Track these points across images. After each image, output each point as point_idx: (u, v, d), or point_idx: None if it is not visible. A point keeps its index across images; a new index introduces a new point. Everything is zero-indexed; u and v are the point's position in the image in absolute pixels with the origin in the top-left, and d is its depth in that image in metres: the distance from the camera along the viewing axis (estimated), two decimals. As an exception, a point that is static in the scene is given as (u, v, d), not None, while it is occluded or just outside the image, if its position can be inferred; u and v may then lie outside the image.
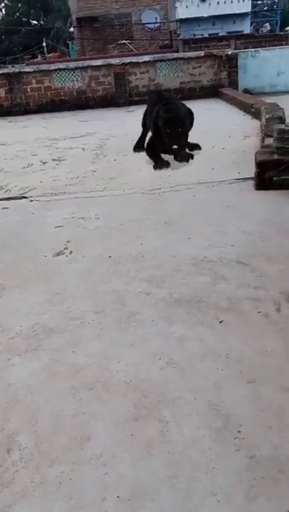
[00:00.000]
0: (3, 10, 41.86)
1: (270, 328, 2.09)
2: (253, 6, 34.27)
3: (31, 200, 4.47)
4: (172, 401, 1.71)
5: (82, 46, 24.18)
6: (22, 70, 12.67)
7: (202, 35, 27.14)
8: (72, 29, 27.47)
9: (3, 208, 4.29)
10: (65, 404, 1.75)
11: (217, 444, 1.52)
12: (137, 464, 1.47)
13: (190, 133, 5.40)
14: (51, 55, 25.03)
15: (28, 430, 1.65)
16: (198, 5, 30.80)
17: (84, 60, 15.57)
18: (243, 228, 3.22)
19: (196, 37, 24.68)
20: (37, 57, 26.24)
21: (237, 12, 30.33)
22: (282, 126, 4.19)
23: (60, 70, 12.21)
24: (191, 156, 4.89)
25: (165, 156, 5.04)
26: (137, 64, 12.08)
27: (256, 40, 18.64)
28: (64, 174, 5.32)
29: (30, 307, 2.47)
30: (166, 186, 4.38)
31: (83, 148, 6.76)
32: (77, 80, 12.17)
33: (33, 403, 1.78)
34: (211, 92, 11.85)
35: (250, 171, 4.18)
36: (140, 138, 5.75)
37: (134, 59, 12.51)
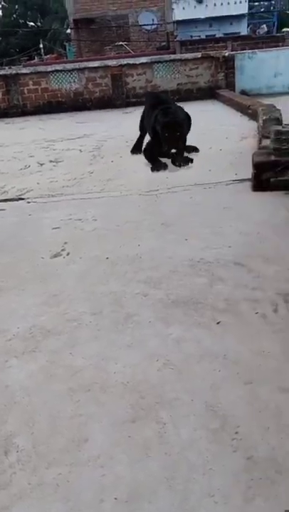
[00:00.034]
0: (0, 11, 41.87)
1: (267, 329, 2.09)
2: (250, 7, 34.35)
3: (28, 202, 4.46)
4: (169, 402, 1.71)
5: (79, 48, 24.19)
6: (19, 71, 12.68)
7: (199, 36, 27.19)
8: (69, 31, 27.46)
9: (0, 210, 4.29)
10: (62, 406, 1.75)
11: (214, 445, 1.52)
12: (135, 465, 1.47)
13: (187, 135, 5.40)
14: (48, 56, 25.04)
15: (25, 432, 1.65)
16: (195, 6, 30.86)
17: (81, 61, 15.57)
18: (240, 229, 3.22)
19: (193, 38, 24.72)
20: (34, 58, 26.24)
21: (234, 13, 30.40)
22: (279, 128, 4.20)
23: (57, 71, 12.22)
24: (191, 160, 4.89)
25: (163, 159, 5.05)
26: (134, 65, 12.09)
27: (253, 42, 18.68)
28: (61, 176, 5.32)
29: (27, 309, 2.47)
30: (164, 188, 4.39)
31: (80, 150, 6.76)
32: (74, 81, 12.17)
33: (30, 405, 1.78)
34: (208, 93, 11.87)
35: (248, 172, 4.19)
36: (137, 141, 5.75)
37: (131, 60, 12.53)
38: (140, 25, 22.71)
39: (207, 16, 30.41)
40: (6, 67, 19.45)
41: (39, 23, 40.22)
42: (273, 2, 39.16)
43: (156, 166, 4.89)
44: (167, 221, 3.52)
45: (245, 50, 14.87)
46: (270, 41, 18.55)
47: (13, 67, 17.84)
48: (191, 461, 1.47)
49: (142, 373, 1.88)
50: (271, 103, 7.04)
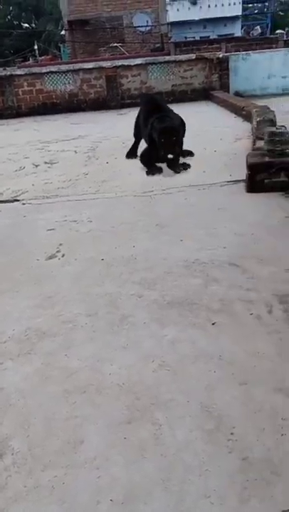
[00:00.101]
0: (-5, 13, 41.75)
1: (262, 329, 2.10)
2: (244, 9, 34.55)
3: (23, 203, 4.45)
4: (165, 403, 1.71)
5: (74, 49, 24.18)
6: (13, 72, 12.64)
7: (193, 38, 27.28)
8: (63, 32, 27.46)
9: (-5, 212, 4.28)
10: (57, 408, 1.75)
11: (210, 446, 1.52)
12: (130, 466, 1.47)
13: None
14: (43, 58, 25.00)
15: (20, 434, 1.65)
16: (189, 8, 30.99)
17: (76, 63, 15.56)
18: (234, 230, 3.23)
19: (187, 40, 24.78)
20: (28, 60, 26.17)
21: (228, 15, 30.55)
22: (273, 129, 4.22)
23: (51, 72, 12.20)
24: (189, 166, 4.89)
25: (158, 164, 5.03)
26: (128, 67, 12.10)
27: (247, 43, 18.74)
28: (56, 177, 5.31)
29: (22, 311, 2.47)
30: (158, 189, 4.39)
31: (75, 151, 6.75)
32: (68, 82, 12.16)
33: (25, 407, 1.77)
34: (203, 94, 11.90)
35: (242, 173, 4.20)
36: (132, 147, 5.72)
37: (125, 62, 12.54)
38: (134, 27, 22.73)
39: (201, 17, 30.55)
40: (1, 69, 19.39)
41: (33, 25, 40.18)
42: (267, 4, 39.36)
43: (152, 169, 4.89)
44: (162, 222, 3.53)
45: (239, 51, 14.93)
46: (264, 43, 18.61)
47: (7, 68, 17.78)
48: (187, 462, 1.47)
49: (137, 374, 1.88)
50: (265, 104, 7.08)
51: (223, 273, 2.64)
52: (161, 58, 12.96)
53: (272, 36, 21.32)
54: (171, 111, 5.22)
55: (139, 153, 5.41)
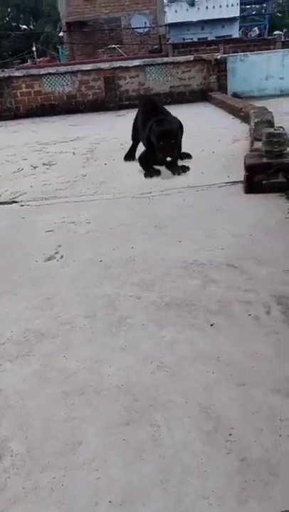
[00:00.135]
0: (-7, 14, 41.77)
1: (260, 330, 2.10)
2: (242, 10, 34.65)
3: (22, 205, 4.46)
4: (163, 405, 1.72)
5: (72, 51, 24.20)
6: (12, 74, 12.66)
7: (191, 39, 27.34)
8: (61, 34, 27.49)
9: (-6, 213, 4.28)
10: (56, 410, 1.75)
11: (208, 447, 1.52)
12: (129, 468, 1.48)
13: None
14: (41, 59, 25.00)
15: (19, 436, 1.65)
16: (187, 9, 31.05)
17: (74, 64, 15.57)
18: (232, 231, 3.24)
19: (186, 41, 24.82)
20: (27, 61, 26.19)
21: (226, 16, 30.62)
22: (271, 130, 4.23)
23: (50, 74, 12.22)
24: (188, 168, 4.89)
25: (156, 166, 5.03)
26: (126, 68, 12.12)
27: (245, 45, 18.79)
28: (54, 178, 5.31)
29: (20, 313, 2.47)
30: (156, 190, 4.40)
31: (73, 153, 6.76)
32: (67, 84, 12.18)
33: (24, 409, 1.77)
34: (201, 96, 11.92)
35: (240, 174, 4.21)
36: (130, 149, 5.70)
37: (123, 63, 12.57)
38: (133, 28, 22.76)
39: (199, 18, 30.62)
40: (-1, 70, 19.39)
41: (32, 26, 40.22)
42: (265, 5, 39.47)
43: (150, 172, 4.88)
44: (160, 223, 3.53)
45: (237, 52, 14.96)
46: (262, 44, 18.66)
47: (5, 70, 17.79)
48: (185, 463, 1.47)
49: (135, 376, 1.88)
50: (263, 105, 7.09)
51: (222, 274, 2.65)
52: (159, 60, 12.99)
53: (270, 37, 21.38)
54: (169, 113, 5.22)
55: (137, 155, 5.41)
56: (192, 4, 31.33)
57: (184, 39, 27.28)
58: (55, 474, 1.48)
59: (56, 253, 3.20)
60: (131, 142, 5.76)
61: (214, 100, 10.91)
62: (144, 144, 5.16)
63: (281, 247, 2.93)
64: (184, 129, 5.34)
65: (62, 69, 12.61)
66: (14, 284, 2.81)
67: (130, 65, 12.17)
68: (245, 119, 7.34)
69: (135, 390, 1.80)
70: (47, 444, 1.60)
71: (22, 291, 2.70)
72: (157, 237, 3.30)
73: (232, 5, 30.92)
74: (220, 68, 12.01)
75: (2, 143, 8.14)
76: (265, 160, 4.01)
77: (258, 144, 4.48)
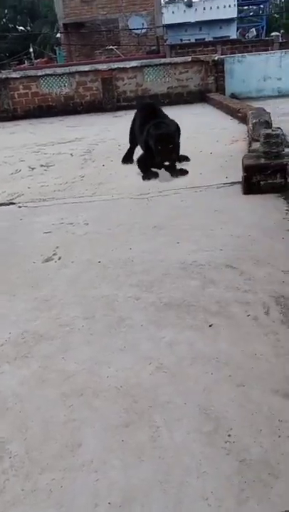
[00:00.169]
0: (-10, 16, 41.76)
1: (259, 331, 2.10)
2: (239, 11, 34.75)
3: (19, 206, 4.45)
4: (162, 406, 1.71)
5: (70, 52, 24.21)
6: (9, 75, 12.66)
7: (189, 40, 27.39)
8: (59, 35, 27.51)
9: (-9, 215, 4.27)
10: (55, 411, 1.74)
11: (208, 448, 1.52)
12: (128, 469, 1.47)
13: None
14: (38, 60, 25.00)
15: (18, 438, 1.64)
16: (184, 10, 31.13)
17: (71, 65, 15.58)
18: (231, 232, 3.24)
19: (183, 42, 24.88)
20: (24, 63, 26.19)
21: (223, 17, 30.69)
22: (269, 131, 4.23)
23: (47, 75, 12.23)
24: (186, 172, 4.87)
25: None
26: (124, 69, 12.14)
27: (242, 46, 18.84)
28: (52, 180, 5.31)
29: (18, 314, 2.46)
30: (155, 191, 4.40)
31: (71, 154, 6.76)
32: (64, 85, 12.19)
33: (23, 411, 1.77)
34: (198, 96, 11.95)
35: (238, 175, 4.21)
36: (128, 152, 5.68)
37: (121, 64, 12.58)
38: (130, 29, 22.78)
39: (197, 19, 30.70)
40: (-4, 72, 19.37)
41: (29, 28, 40.22)
42: (262, 6, 39.59)
43: (148, 174, 4.86)
44: (159, 224, 3.53)
45: (234, 53, 15.00)
46: (260, 45, 18.72)
47: (3, 71, 17.80)
48: (185, 464, 1.47)
49: (134, 377, 1.88)
50: (261, 106, 7.09)
51: (220, 275, 2.65)
52: (156, 61, 13.01)
53: (267, 38, 21.43)
54: (167, 116, 5.20)
55: (135, 158, 5.40)
56: (189, 5, 31.40)
57: (181, 40, 27.35)
58: (54, 476, 1.48)
59: (54, 254, 3.20)
60: (129, 143, 5.76)
61: (212, 101, 10.93)
62: (142, 147, 5.15)
63: (279, 248, 2.93)
64: (182, 130, 5.33)
65: (59, 70, 12.62)
66: (12, 285, 2.80)
67: (128, 66, 12.19)
68: (243, 119, 7.35)
69: (134, 392, 1.80)
70: (46, 446, 1.59)
71: (20, 293, 2.70)
72: (156, 237, 3.30)
73: (229, 6, 31.01)
74: (218, 69, 12.03)
75: None
76: (263, 161, 4.01)
77: (256, 145, 4.49)
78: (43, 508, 1.38)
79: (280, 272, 2.60)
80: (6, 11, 40.48)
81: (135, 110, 5.73)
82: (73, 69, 12.65)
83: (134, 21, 22.57)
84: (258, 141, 4.47)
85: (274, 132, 4.14)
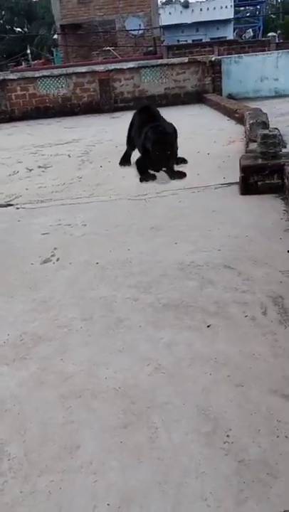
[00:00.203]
0: (-13, 17, 41.74)
1: (257, 331, 2.11)
2: (236, 12, 34.84)
3: (17, 208, 4.45)
4: (161, 407, 1.71)
5: (67, 53, 24.19)
6: (6, 77, 12.65)
7: (186, 41, 27.43)
8: (56, 36, 27.48)
9: (-11, 216, 4.27)
10: (53, 413, 1.74)
11: (206, 448, 1.52)
12: (127, 471, 1.47)
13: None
14: (36, 62, 24.97)
15: (16, 440, 1.64)
16: (181, 11, 31.19)
17: (68, 67, 15.58)
18: (228, 232, 3.24)
19: (180, 43, 24.90)
20: (21, 64, 26.17)
21: (220, 18, 30.75)
22: (266, 132, 4.24)
23: (44, 77, 12.23)
24: (184, 175, 4.86)
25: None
26: (121, 70, 12.14)
27: (239, 46, 18.85)
28: (50, 181, 5.31)
29: (17, 316, 2.46)
30: (152, 192, 4.40)
31: (69, 155, 6.76)
32: (62, 86, 12.19)
33: (21, 412, 1.77)
34: (196, 97, 11.96)
35: (235, 175, 4.22)
36: (125, 154, 5.67)
37: (118, 65, 12.59)
38: (127, 31, 22.78)
39: (193, 20, 30.76)
40: (-7, 73, 19.35)
41: (26, 29, 40.22)
42: (259, 7, 39.67)
43: (145, 176, 4.84)
44: (156, 225, 3.53)
45: (231, 54, 15.02)
46: (256, 45, 18.73)
47: (0, 72, 17.79)
48: (183, 465, 1.47)
49: (133, 378, 1.88)
50: (258, 107, 7.11)
51: (218, 275, 2.65)
52: (153, 62, 13.03)
53: (264, 39, 21.48)
54: (164, 120, 5.18)
55: (132, 160, 5.39)
56: (186, 6, 31.46)
57: (178, 41, 27.38)
58: (53, 478, 1.48)
59: (52, 256, 3.20)
60: (126, 146, 5.75)
61: (209, 102, 10.94)
62: (139, 150, 5.14)
63: (277, 248, 2.93)
64: (180, 131, 5.33)
65: (57, 71, 12.62)
66: (10, 286, 2.80)
67: (125, 67, 12.20)
68: (240, 120, 7.37)
69: (132, 393, 1.80)
70: (44, 448, 1.59)
71: (18, 294, 2.70)
72: (154, 238, 3.30)
73: (226, 7, 31.08)
74: (215, 70, 12.05)
75: (-3, 146, 8.13)
76: (260, 161, 4.02)
77: (254, 145, 4.50)
78: (41, 510, 1.38)
79: (278, 273, 2.61)
80: (3, 12, 40.48)
81: (133, 111, 5.72)
82: (70, 70, 12.66)
83: (131, 22, 22.57)
84: (255, 141, 4.48)
85: (271, 133, 4.15)
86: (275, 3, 46.78)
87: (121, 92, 12.17)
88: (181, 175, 4.81)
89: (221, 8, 31.03)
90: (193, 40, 27.26)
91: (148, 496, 1.38)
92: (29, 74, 12.80)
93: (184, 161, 5.24)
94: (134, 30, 22.60)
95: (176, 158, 5.03)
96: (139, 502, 1.37)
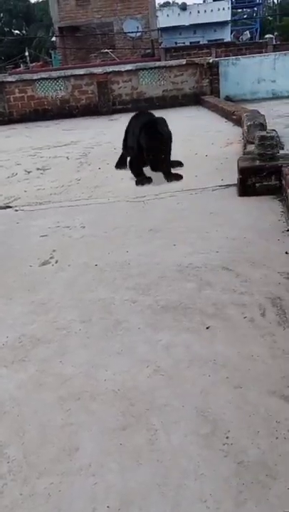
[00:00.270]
0: (-15, 20, 41.79)
1: (255, 332, 2.11)
2: (233, 14, 34.93)
3: (16, 210, 4.45)
4: (160, 408, 1.72)
5: (65, 55, 24.21)
6: (4, 79, 12.65)
7: (183, 43, 27.50)
8: (54, 38, 27.52)
9: (-12, 219, 4.26)
10: (52, 415, 1.74)
11: (205, 450, 1.52)
12: (126, 473, 1.47)
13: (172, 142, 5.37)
14: (34, 64, 24.99)
15: (16, 442, 1.64)
16: (178, 14, 31.28)
17: (67, 69, 15.58)
18: (226, 234, 3.25)
19: (178, 45, 24.94)
20: (20, 66, 26.19)
21: (217, 20, 30.84)
22: (264, 133, 4.25)
23: (43, 79, 12.23)
24: (181, 177, 4.85)
25: (148, 172, 4.99)
26: (119, 73, 12.15)
27: (237, 48, 18.87)
28: (48, 183, 5.31)
29: (15, 318, 2.46)
30: (151, 194, 4.40)
31: (67, 157, 6.76)
32: (60, 89, 12.19)
33: (20, 415, 1.77)
34: (193, 99, 11.96)
35: (233, 177, 4.23)
36: (121, 157, 5.66)
37: (116, 68, 12.59)
38: (125, 33, 22.81)
39: (191, 23, 30.84)
40: (-8, 75, 19.35)
41: (24, 31, 40.27)
42: (256, 9, 39.79)
43: (141, 180, 4.83)
44: (155, 227, 3.54)
45: (229, 56, 15.04)
46: (254, 47, 18.76)
47: (-2, 75, 17.78)
48: (183, 467, 1.47)
49: (131, 380, 1.88)
50: (255, 109, 7.12)
51: (217, 277, 2.66)
52: (151, 64, 13.04)
53: (261, 41, 21.50)
54: (160, 124, 5.16)
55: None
56: (184, 8, 31.55)
57: (176, 43, 27.42)
58: (52, 480, 1.48)
59: (51, 258, 3.20)
60: (122, 149, 5.74)
61: (207, 104, 10.95)
62: (133, 147, 5.09)
63: (275, 249, 2.94)
64: (177, 133, 5.33)
65: (55, 74, 12.61)
66: (9, 289, 2.80)
67: (123, 70, 12.21)
68: (237, 122, 7.37)
69: (131, 395, 1.80)
70: (43, 450, 1.59)
71: (17, 296, 2.70)
72: (152, 240, 3.31)
73: (223, 9, 31.18)
74: (212, 72, 12.05)
75: (-5, 148, 8.12)
76: (258, 163, 4.03)
77: (251, 147, 4.51)
78: (41, 513, 1.38)
79: (276, 274, 2.61)
80: (1, 14, 40.55)
81: (131, 114, 5.71)
82: (69, 72, 12.65)
83: (129, 25, 22.60)
84: (252, 143, 4.49)
85: (269, 134, 4.16)
86: (272, 5, 46.93)
87: (119, 95, 12.18)
88: (178, 177, 4.81)
89: (219, 10, 31.14)
90: (190, 43, 27.32)
91: (147, 498, 1.38)
92: (27, 76, 12.80)
93: (179, 164, 5.22)
94: (132, 32, 22.63)
95: (169, 162, 4.99)
96: (138, 504, 1.37)
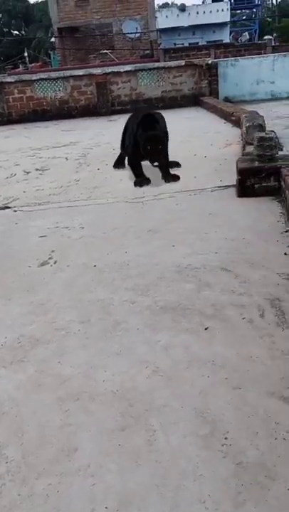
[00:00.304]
0: (-16, 20, 41.81)
1: (254, 333, 2.11)
2: (232, 15, 35.00)
3: (15, 211, 4.45)
4: (159, 409, 1.72)
5: (64, 56, 24.23)
6: (4, 80, 12.65)
7: (182, 44, 27.54)
8: (53, 39, 27.53)
9: (-14, 219, 4.26)
10: (51, 416, 1.74)
11: (204, 451, 1.52)
12: (125, 473, 1.47)
13: (171, 142, 5.37)
14: (33, 65, 25.00)
15: (14, 443, 1.64)
16: (177, 15, 31.33)
17: (66, 69, 15.59)
18: (225, 235, 3.25)
19: (177, 46, 24.98)
20: (19, 67, 26.20)
21: (216, 22, 30.89)
22: (263, 134, 4.26)
23: (42, 79, 12.23)
24: (178, 178, 4.84)
25: (147, 173, 4.98)
26: (118, 73, 12.16)
27: (235, 49, 18.93)
28: (47, 184, 5.31)
29: (14, 318, 2.46)
30: (149, 195, 4.41)
31: (66, 158, 6.76)
32: (59, 89, 12.19)
33: (19, 415, 1.77)
34: (192, 100, 11.98)
35: (232, 178, 4.23)
36: (119, 157, 5.66)
37: (115, 68, 12.61)
38: (124, 34, 22.84)
39: (190, 24, 30.90)
40: (-9, 76, 19.35)
41: (23, 32, 40.29)
42: (255, 10, 39.87)
43: (140, 181, 4.81)
44: (154, 228, 3.54)
45: (227, 57, 15.08)
46: (253, 48, 18.81)
47: (-3, 75, 17.78)
48: (182, 467, 1.47)
49: (130, 381, 1.88)
50: (254, 110, 7.14)
51: (216, 278, 2.66)
52: (150, 65, 13.05)
53: (260, 42, 21.56)
54: (158, 122, 5.16)
55: (126, 162, 5.37)
56: (183, 9, 31.60)
57: (175, 44, 27.47)
58: (51, 481, 1.47)
59: (50, 258, 3.19)
60: (120, 149, 5.74)
61: (206, 105, 10.97)
62: (130, 143, 5.07)
63: (274, 250, 2.94)
64: (176, 134, 5.34)
65: (54, 74, 12.62)
66: (8, 289, 2.80)
67: (122, 70, 12.22)
68: (236, 123, 7.38)
69: (130, 395, 1.80)
70: (42, 451, 1.59)
71: (16, 297, 2.69)
72: (151, 241, 3.31)
73: (222, 10, 31.25)
74: (211, 73, 12.07)
75: (-6, 148, 8.12)
76: (257, 164, 4.03)
77: (250, 148, 4.51)
78: (39, 513, 1.37)
79: (275, 275, 2.61)
80: (0, 15, 40.54)
81: (130, 114, 5.71)
82: (68, 73, 12.66)
83: (128, 25, 22.64)
84: (251, 144, 4.50)
85: (267, 135, 4.17)
86: (271, 6, 47.03)
87: (118, 95, 12.19)
88: (175, 178, 4.81)
89: (218, 11, 31.20)
90: (189, 44, 27.36)
91: (146, 499, 1.38)
92: (26, 77, 12.81)
93: (177, 164, 5.22)
94: (131, 33, 22.66)
95: (167, 159, 4.98)
96: (137, 505, 1.37)
